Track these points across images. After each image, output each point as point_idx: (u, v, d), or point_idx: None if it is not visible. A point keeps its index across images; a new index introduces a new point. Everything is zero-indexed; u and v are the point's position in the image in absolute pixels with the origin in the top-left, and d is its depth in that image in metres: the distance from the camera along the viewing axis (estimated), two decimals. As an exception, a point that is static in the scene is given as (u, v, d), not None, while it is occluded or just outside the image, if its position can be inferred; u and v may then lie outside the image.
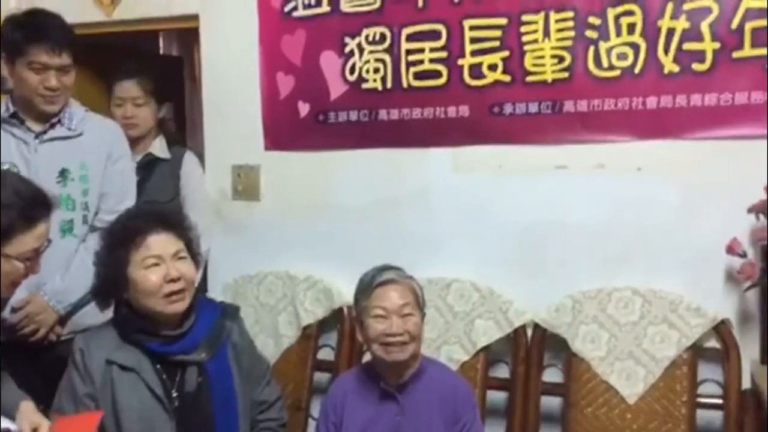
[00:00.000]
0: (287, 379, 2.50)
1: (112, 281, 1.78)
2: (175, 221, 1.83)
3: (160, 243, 1.77)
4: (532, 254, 2.36)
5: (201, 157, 2.76)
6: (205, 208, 2.66)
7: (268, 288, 2.62)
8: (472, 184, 2.42)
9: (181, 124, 3.25)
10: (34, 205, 1.54)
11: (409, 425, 1.87)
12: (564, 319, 2.25)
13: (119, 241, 1.78)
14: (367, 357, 2.01)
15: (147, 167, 2.60)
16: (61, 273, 2.10)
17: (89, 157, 2.20)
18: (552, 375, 2.31)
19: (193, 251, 1.84)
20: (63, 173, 2.16)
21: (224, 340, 1.84)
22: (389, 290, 1.86)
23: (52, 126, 2.17)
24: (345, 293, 2.48)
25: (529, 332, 2.32)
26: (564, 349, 2.28)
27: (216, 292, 2.67)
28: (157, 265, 1.75)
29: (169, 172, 2.57)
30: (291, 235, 2.64)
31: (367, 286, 1.90)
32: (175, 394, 1.76)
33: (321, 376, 2.57)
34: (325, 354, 2.58)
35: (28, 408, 1.65)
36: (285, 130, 2.65)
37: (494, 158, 2.40)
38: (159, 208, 1.89)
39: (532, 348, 2.29)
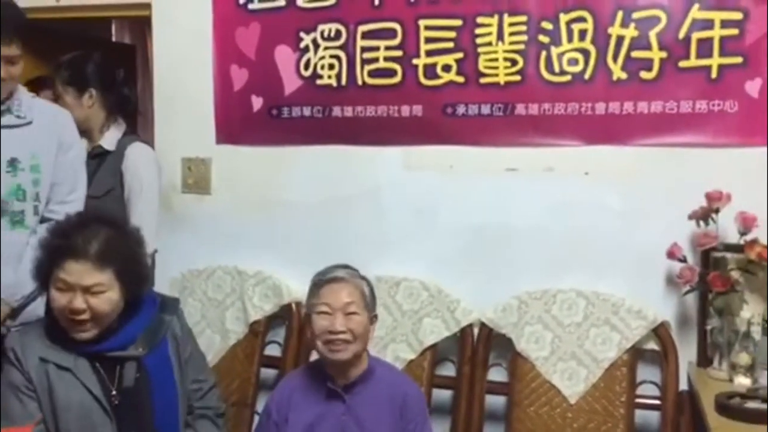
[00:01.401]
0: (233, 375, 2.48)
1: (40, 277, 1.74)
2: (104, 251, 1.68)
3: (76, 272, 1.65)
4: (480, 254, 2.39)
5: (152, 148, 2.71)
6: (150, 207, 2.51)
7: (217, 283, 2.60)
8: (423, 183, 2.44)
9: (133, 114, 3.18)
10: None
11: (354, 425, 1.86)
12: (510, 319, 2.28)
13: (51, 249, 1.71)
14: (315, 356, 2.01)
15: (96, 159, 2.54)
16: (12, 266, 2.04)
17: (40, 146, 2.13)
18: (497, 374, 2.35)
19: (128, 277, 1.72)
20: (13, 163, 2.09)
21: (164, 334, 1.81)
22: (336, 288, 1.86)
23: (1, 114, 2.11)
24: (294, 290, 2.48)
25: (476, 331, 2.34)
26: (509, 349, 2.31)
27: (163, 287, 2.61)
28: (65, 291, 1.67)
29: (111, 166, 2.51)
30: (241, 230, 2.62)
31: (316, 283, 1.90)
32: (114, 392, 1.73)
33: (267, 373, 2.55)
34: (272, 350, 2.57)
35: None
36: (237, 123, 2.63)
37: (445, 158, 2.41)
38: (100, 228, 1.72)
39: (478, 347, 2.32)
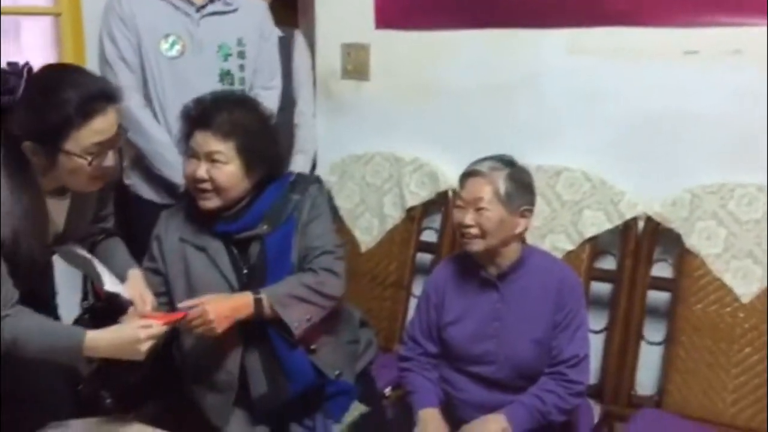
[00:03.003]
0: (391, 258, 2.56)
1: (182, 147, 1.85)
2: (228, 123, 1.75)
3: (201, 140, 1.76)
4: (649, 145, 2.24)
5: (312, 35, 2.74)
6: (311, 90, 2.69)
7: (375, 168, 2.63)
8: (589, 68, 2.29)
9: (293, 1, 3.21)
10: (91, 99, 1.49)
11: (509, 313, 1.87)
12: (680, 213, 2.16)
13: (186, 119, 1.82)
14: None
15: None
16: None
17: (245, 33, 2.27)
18: (661, 270, 2.25)
19: (250, 154, 1.77)
20: (223, 48, 2.24)
21: (290, 213, 1.84)
22: (470, 182, 1.82)
23: (212, 0, 2.21)
24: (450, 177, 2.47)
25: (640, 225, 2.25)
26: (676, 244, 2.20)
27: (324, 171, 2.71)
28: (192, 158, 1.78)
29: (281, 51, 2.57)
30: (399, 117, 2.61)
31: (460, 176, 1.88)
32: (245, 271, 1.82)
33: (423, 257, 2.60)
34: (428, 236, 2.60)
35: (136, 276, 1.76)
36: (396, 7, 2.57)
37: (615, 41, 2.24)
38: (230, 104, 1.80)
39: (643, 241, 2.22)
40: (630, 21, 2.21)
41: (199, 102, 1.81)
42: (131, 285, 1.73)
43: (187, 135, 1.80)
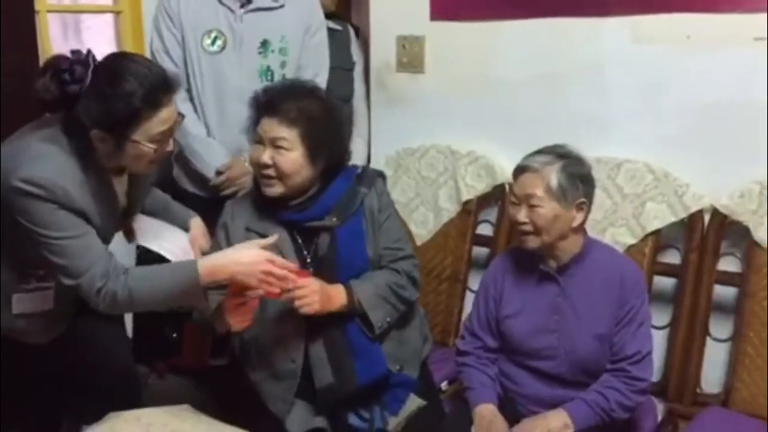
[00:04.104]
0: (446, 252, 2.54)
1: (249, 134, 1.86)
2: (294, 110, 1.75)
3: (267, 126, 1.76)
4: (716, 135, 2.17)
5: (366, 27, 2.75)
6: (362, 81, 2.72)
7: (430, 162, 2.61)
8: (654, 57, 2.23)
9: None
10: (156, 90, 1.52)
11: (569, 307, 1.84)
12: (748, 206, 2.09)
13: (254, 105, 1.82)
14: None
15: None
16: None
17: (289, 30, 2.27)
18: (728, 264, 2.18)
19: (314, 142, 1.76)
20: (264, 44, 2.25)
21: (358, 206, 1.84)
22: (522, 178, 1.79)
23: None
24: (507, 169, 2.42)
25: (706, 218, 2.18)
26: (744, 237, 2.13)
27: (378, 164, 2.71)
28: (258, 144, 1.78)
29: (342, 43, 2.57)
30: (455, 109, 2.59)
31: (513, 170, 1.85)
32: (309, 259, 1.82)
33: (479, 251, 2.57)
34: (484, 229, 2.57)
35: (198, 225, 1.86)
36: (451, -2, 2.55)
37: (681, 28, 2.17)
38: (294, 90, 1.81)
39: (709, 234, 2.16)
40: (696, 7, 2.14)
41: (267, 90, 1.83)
42: (200, 235, 1.85)
43: (255, 122, 1.82)
